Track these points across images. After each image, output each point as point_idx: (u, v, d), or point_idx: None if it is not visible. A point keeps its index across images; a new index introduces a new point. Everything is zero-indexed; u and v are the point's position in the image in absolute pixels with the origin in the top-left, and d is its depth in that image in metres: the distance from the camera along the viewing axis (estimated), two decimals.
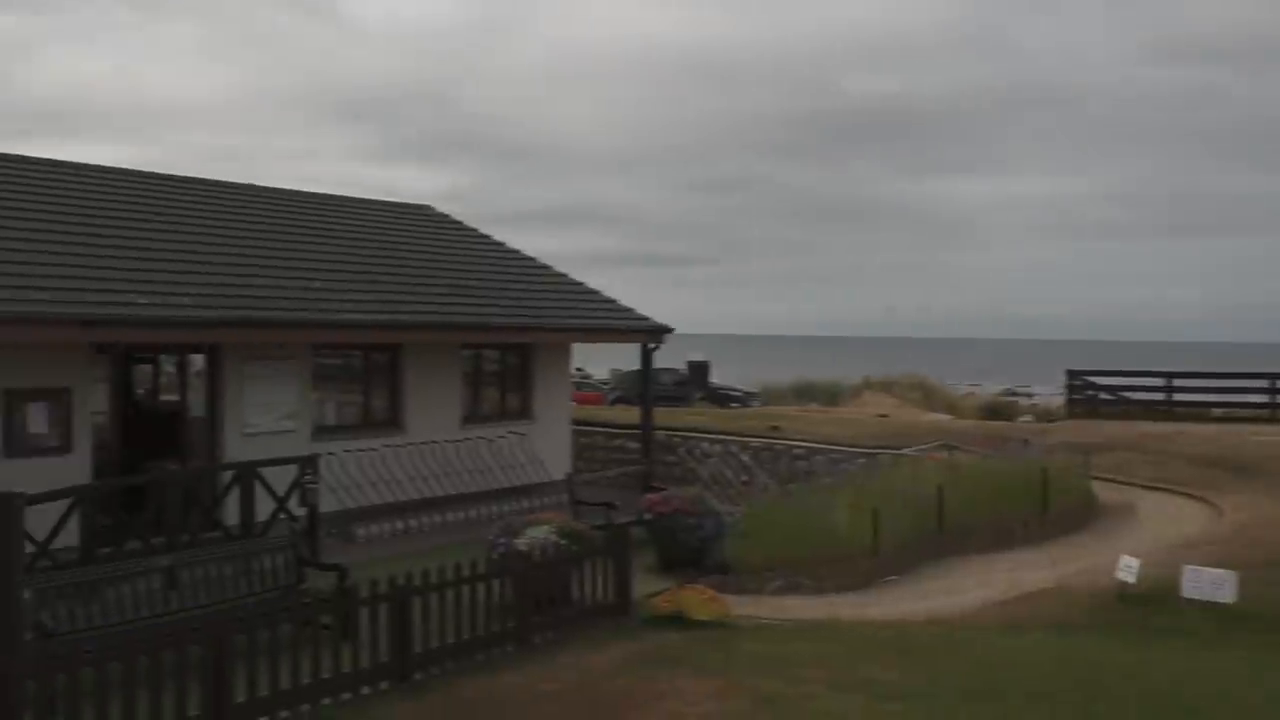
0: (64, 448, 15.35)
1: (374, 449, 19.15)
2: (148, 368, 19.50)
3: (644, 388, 22.87)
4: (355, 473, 18.72)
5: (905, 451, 20.92)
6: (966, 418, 34.61)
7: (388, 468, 19.31)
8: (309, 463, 16.11)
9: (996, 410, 39.44)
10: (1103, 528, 18.52)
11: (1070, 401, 31.98)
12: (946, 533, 17.57)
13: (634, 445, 24.70)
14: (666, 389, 40.81)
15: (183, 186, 20.79)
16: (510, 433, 21.63)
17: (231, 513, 15.26)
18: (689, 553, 16.70)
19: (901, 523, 16.84)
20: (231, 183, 21.75)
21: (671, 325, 22.71)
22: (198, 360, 17.70)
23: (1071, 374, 32.49)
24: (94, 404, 15.98)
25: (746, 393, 41.10)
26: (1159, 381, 31.67)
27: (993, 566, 16.70)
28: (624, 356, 50.35)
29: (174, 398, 20.59)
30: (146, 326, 14.69)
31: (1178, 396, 30.80)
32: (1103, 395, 31.89)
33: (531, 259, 24.19)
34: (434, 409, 20.43)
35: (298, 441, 18.08)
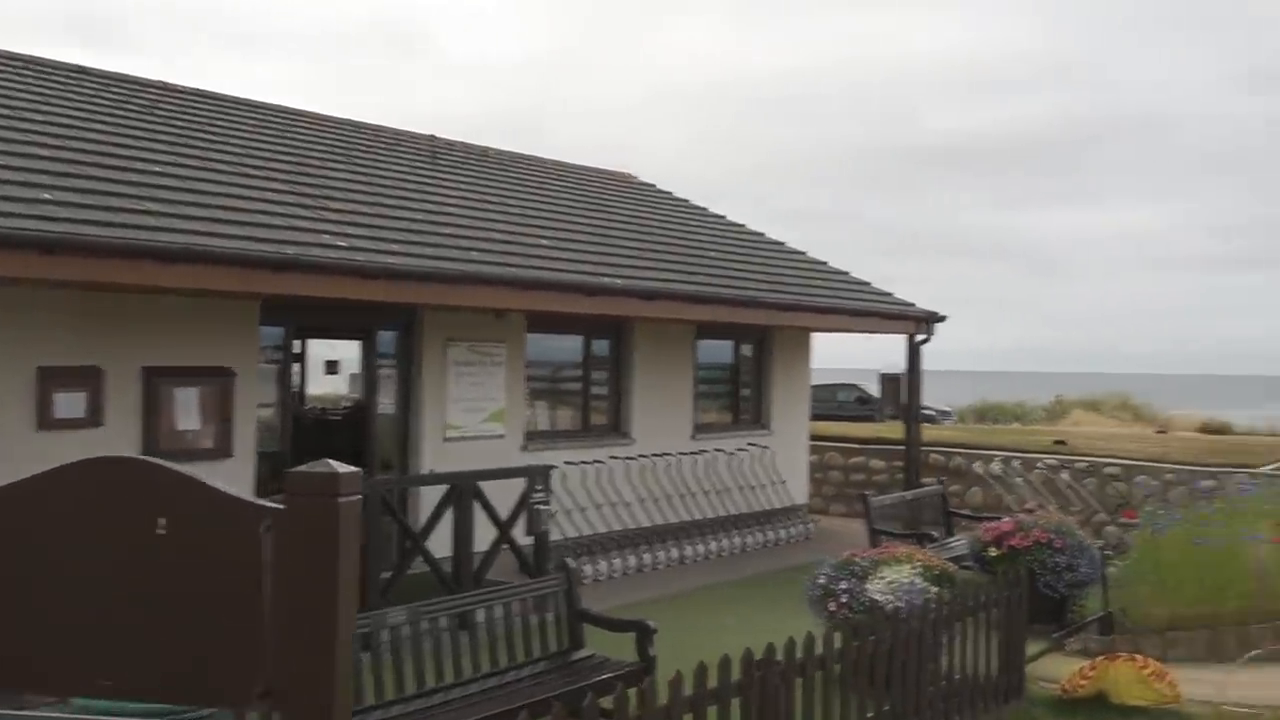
0: (221, 450, 11.25)
1: (599, 461, 14.87)
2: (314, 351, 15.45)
3: (911, 391, 18.32)
4: (578, 491, 14.46)
5: (1263, 471, 16.22)
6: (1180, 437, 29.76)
7: (615, 486, 15.01)
8: (540, 475, 12.01)
9: (1215, 429, 34.79)
10: None
11: None
12: None
13: (878, 464, 20.24)
14: (848, 407, 36.38)
15: (360, 133, 16.70)
16: (751, 445, 17.26)
17: (438, 542, 11.21)
18: (1050, 602, 12.17)
19: None
20: (411, 131, 17.60)
21: (943, 313, 18.22)
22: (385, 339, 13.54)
23: None
24: (259, 393, 11.86)
25: (940, 411, 36.37)
26: None
27: None
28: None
29: (342, 394, 16.65)
30: (349, 275, 10.47)
31: None
32: None
33: (761, 234, 19.84)
34: (664, 413, 16.13)
35: (507, 449, 13.91)
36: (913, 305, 18.42)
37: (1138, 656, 9.90)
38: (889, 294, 18.60)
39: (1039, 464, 17.54)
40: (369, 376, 13.43)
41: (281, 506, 2.27)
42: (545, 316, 14.03)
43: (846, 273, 19.05)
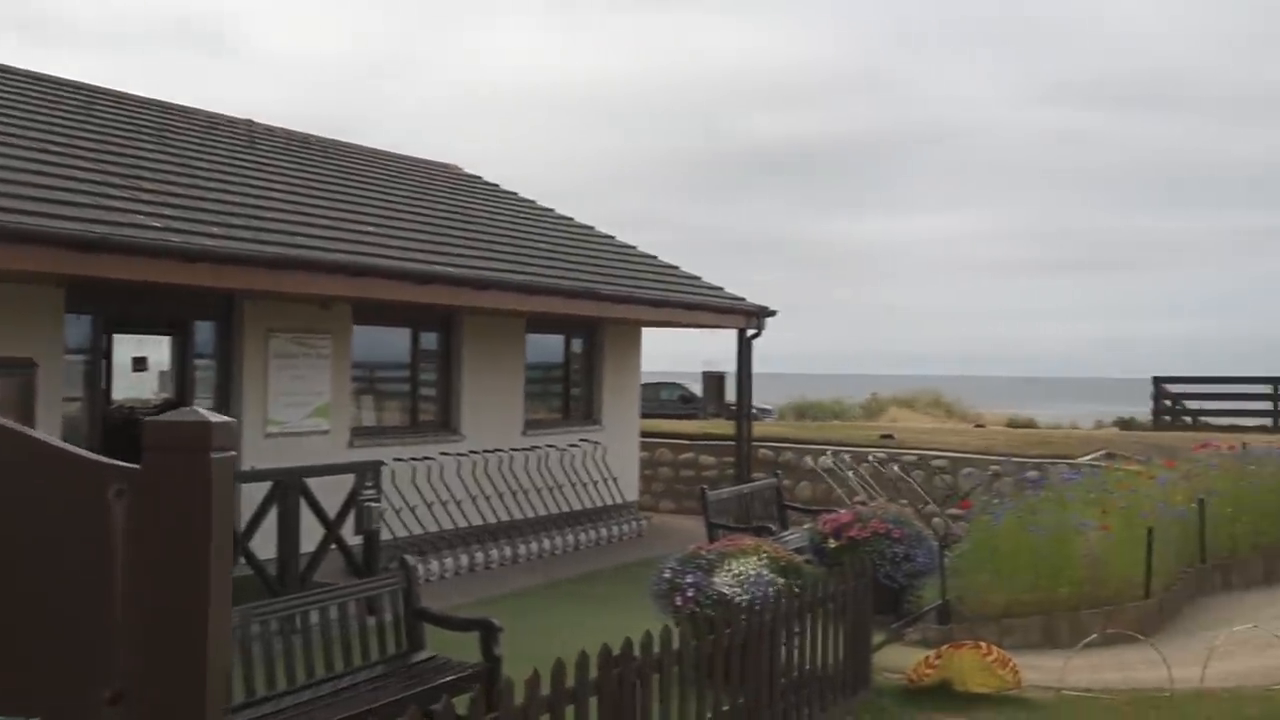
0: None
1: (430, 458, 14.34)
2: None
3: (741, 386, 18.26)
4: (408, 489, 13.91)
5: (1083, 461, 16.62)
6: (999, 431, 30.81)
7: (445, 484, 14.51)
8: (370, 471, 11.50)
9: (1022, 424, 36.09)
10: None
11: (1157, 412, 28.36)
12: (1210, 563, 13.31)
13: (708, 459, 20.16)
14: (670, 405, 36.33)
15: (181, 116, 15.79)
16: (582, 441, 16.93)
17: (263, 543, 10.61)
18: (888, 592, 12.16)
19: (1165, 552, 12.50)
20: (228, 115, 16.72)
21: (774, 308, 18.20)
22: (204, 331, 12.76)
23: (1157, 381, 28.82)
24: (65, 387, 11.03)
25: (762, 408, 36.57)
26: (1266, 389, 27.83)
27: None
28: None
29: (151, 393, 15.71)
30: (166, 256, 9.74)
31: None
32: (1191, 404, 28.36)
33: (590, 227, 19.52)
34: (494, 409, 15.70)
35: (332, 446, 13.31)
36: (743, 300, 18.37)
37: (982, 644, 9.87)
38: (720, 288, 18.53)
39: (869, 457, 17.68)
40: (183, 370, 12.65)
41: (136, 467, 1.83)
42: (373, 308, 13.49)
43: (677, 267, 18.92)
